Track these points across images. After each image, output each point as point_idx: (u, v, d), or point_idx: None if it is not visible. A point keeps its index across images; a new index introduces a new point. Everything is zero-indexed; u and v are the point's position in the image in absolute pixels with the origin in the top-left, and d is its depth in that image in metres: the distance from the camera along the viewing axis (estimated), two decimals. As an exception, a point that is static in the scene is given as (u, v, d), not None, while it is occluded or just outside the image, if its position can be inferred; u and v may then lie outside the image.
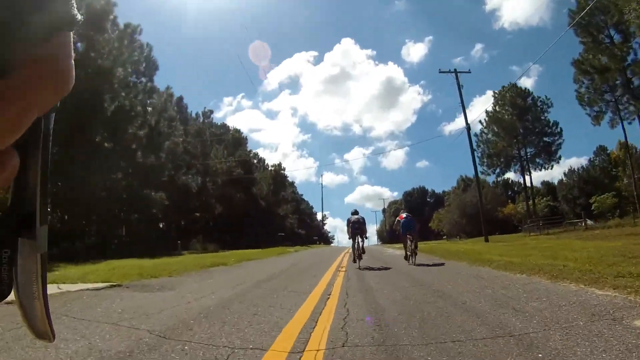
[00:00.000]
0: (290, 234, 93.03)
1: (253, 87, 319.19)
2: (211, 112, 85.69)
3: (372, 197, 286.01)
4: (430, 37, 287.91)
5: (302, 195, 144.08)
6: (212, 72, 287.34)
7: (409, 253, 18.46)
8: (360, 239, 19.08)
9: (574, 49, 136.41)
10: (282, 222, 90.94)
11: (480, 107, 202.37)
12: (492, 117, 75.39)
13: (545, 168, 75.67)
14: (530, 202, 77.35)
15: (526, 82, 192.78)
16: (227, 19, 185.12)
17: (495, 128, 75.53)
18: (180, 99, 72.21)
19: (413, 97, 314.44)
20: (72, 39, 0.65)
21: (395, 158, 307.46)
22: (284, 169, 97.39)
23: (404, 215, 20.01)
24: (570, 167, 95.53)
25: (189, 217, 66.13)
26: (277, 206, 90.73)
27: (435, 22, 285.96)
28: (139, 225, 48.33)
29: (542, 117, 75.03)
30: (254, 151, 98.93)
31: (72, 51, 0.65)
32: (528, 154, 74.99)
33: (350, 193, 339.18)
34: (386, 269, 16.17)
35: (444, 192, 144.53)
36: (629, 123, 56.23)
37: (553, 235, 46.41)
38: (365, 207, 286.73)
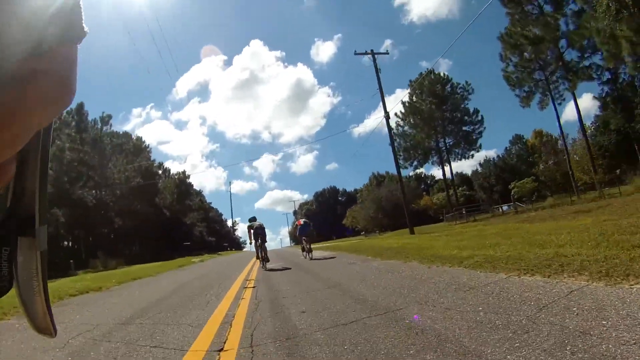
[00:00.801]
0: (200, 243, 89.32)
1: (161, 94, 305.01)
2: (109, 117, 75.48)
3: (282, 201, 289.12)
4: (339, 35, 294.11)
5: (210, 203, 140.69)
6: (119, 82, 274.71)
7: (305, 251, 23.30)
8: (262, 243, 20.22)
9: (485, 36, 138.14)
10: (189, 231, 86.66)
11: (390, 105, 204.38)
12: (410, 108, 72.97)
13: (465, 157, 74.91)
14: (451, 191, 77.27)
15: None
16: (131, 26, 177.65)
17: (412, 120, 73.23)
18: (81, 106, 66.47)
19: (323, 101, 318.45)
20: (77, 52, 0.66)
21: (304, 162, 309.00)
22: (188, 177, 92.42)
23: (302, 221, 24.86)
24: (486, 156, 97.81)
25: (92, 232, 61.54)
26: (182, 215, 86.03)
27: (344, 19, 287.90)
28: None
29: (462, 105, 73.56)
30: (158, 161, 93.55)
31: (77, 64, 0.66)
32: (447, 144, 73.61)
33: (261, 198, 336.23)
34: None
35: (355, 190, 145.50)
36: (559, 104, 56.36)
37: (482, 221, 44.74)
38: (275, 210, 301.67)
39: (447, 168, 75.35)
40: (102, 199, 61.61)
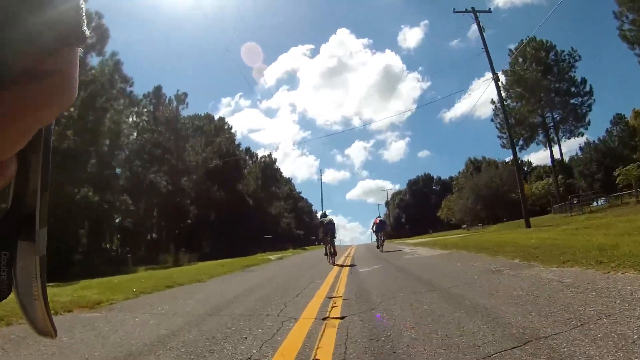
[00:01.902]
0: (287, 235, 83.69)
1: (249, 87, 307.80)
2: (185, 95, 66.44)
3: (374, 192, 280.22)
4: (426, 21, 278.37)
5: (300, 192, 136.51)
6: (207, 72, 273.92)
7: (379, 244, 27.83)
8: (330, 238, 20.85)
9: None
10: (275, 222, 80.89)
11: (480, 91, 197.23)
12: (513, 78, 65.30)
13: (574, 135, 68.15)
14: (557, 178, 70.74)
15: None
16: (218, 18, 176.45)
17: (517, 90, 65.65)
18: (159, 88, 62.55)
19: (412, 86, 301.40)
20: (78, 54, 0.65)
21: (396, 150, 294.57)
22: (275, 160, 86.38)
23: (378, 220, 29.43)
24: (587, 139, 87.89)
25: (167, 223, 58.06)
26: (268, 204, 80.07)
27: (430, 4, 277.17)
28: (99, 237, 42.73)
29: (569, 74, 65.97)
30: (244, 146, 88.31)
31: (78, 66, 0.65)
32: (555, 119, 66.56)
33: (352, 189, 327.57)
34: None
35: (451, 178, 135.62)
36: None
37: (600, 212, 39.03)
38: (366, 202, 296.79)
39: (554, 149, 69.37)
40: (178, 184, 57.05)
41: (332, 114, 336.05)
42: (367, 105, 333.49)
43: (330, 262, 19.20)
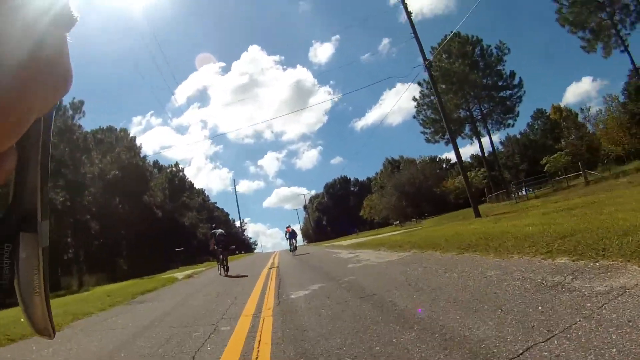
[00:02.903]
0: (205, 246, 75.42)
1: (160, 105, 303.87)
2: (82, 103, 58.43)
3: (290, 198, 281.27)
4: (337, 36, 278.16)
5: (215, 203, 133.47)
6: (117, 90, 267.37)
7: (292, 249, 33.66)
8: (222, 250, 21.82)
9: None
10: (190, 234, 75.62)
11: (391, 100, 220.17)
12: (439, 73, 61.92)
13: (503, 126, 67.58)
14: (481, 171, 73.78)
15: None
16: (127, 35, 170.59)
17: (442, 85, 62.19)
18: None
19: (323, 98, 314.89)
20: (67, 39, 0.64)
21: (309, 158, 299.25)
22: (182, 170, 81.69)
23: (290, 229, 35.12)
24: (507, 134, 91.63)
25: (73, 242, 52.48)
26: (180, 215, 74.58)
27: (341, 19, 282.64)
28: None
29: (497, 68, 65.10)
30: (152, 160, 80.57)
31: (69, 51, 0.65)
32: (483, 111, 65.46)
33: (268, 197, 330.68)
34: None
35: (368, 178, 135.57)
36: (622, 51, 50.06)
37: (546, 197, 38.71)
38: (284, 208, 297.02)
39: (484, 140, 68.61)
40: (76, 200, 51.08)
41: (244, 129, 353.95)
42: (279, 118, 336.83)
43: (222, 274, 20.53)
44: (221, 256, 21.49)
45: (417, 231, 26.51)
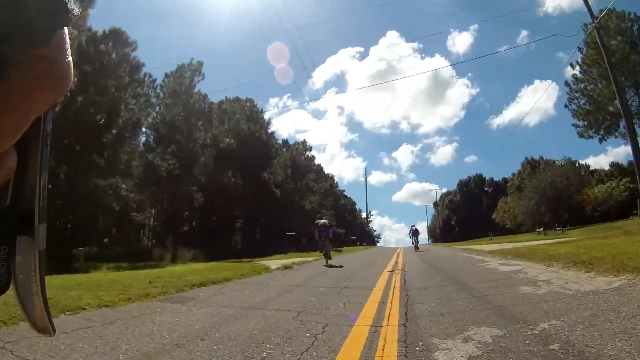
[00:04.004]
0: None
1: (298, 89, 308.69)
2: (200, 64, 53.09)
3: (420, 194, 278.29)
4: (475, 26, 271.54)
5: (344, 191, 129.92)
6: (253, 74, 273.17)
7: (416, 246, 38.70)
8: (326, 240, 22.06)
9: None
10: (310, 219, 66.66)
11: (528, 97, 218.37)
12: (593, 52, 53.09)
13: None
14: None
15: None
16: (265, 20, 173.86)
17: (596, 70, 53.74)
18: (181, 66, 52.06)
19: (461, 91, 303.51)
20: (67, 35, 0.67)
21: (443, 154, 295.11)
22: (309, 148, 75.34)
23: (413, 228, 39.66)
24: None
25: (172, 216, 49.10)
26: (299, 197, 68.73)
27: (479, 9, 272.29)
28: (86, 225, 36.73)
29: None
30: (281, 139, 78.49)
31: (69, 47, 0.67)
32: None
33: (398, 191, 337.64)
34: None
35: (504, 179, 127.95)
36: None
37: None
38: (413, 204, 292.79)
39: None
40: (185, 168, 47.57)
41: (381, 117, 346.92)
42: (414, 109, 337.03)
43: (326, 264, 20.24)
44: (325, 246, 21.56)
45: (585, 243, 19.16)
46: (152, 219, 53.70)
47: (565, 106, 61.46)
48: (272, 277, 15.23)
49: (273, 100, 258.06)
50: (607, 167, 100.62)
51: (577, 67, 57.59)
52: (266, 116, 67.31)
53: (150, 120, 48.40)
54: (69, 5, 0.69)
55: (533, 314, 6.21)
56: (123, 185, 37.93)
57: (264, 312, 7.81)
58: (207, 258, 36.37)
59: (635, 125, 54.25)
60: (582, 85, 57.66)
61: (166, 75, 51.22)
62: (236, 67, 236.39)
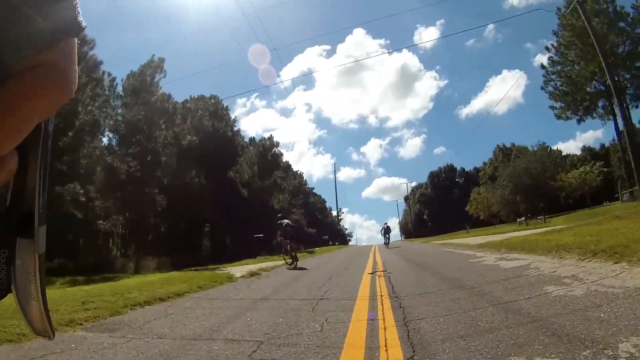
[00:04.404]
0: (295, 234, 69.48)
1: (266, 87, 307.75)
2: (162, 60, 50.14)
3: (390, 189, 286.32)
4: (442, 20, 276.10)
5: (313, 188, 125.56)
6: (219, 74, 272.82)
7: (386, 242, 40.72)
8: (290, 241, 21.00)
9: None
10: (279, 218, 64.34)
11: (497, 87, 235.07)
12: (570, 34, 53.16)
13: None
14: (624, 155, 55.51)
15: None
16: (229, 19, 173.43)
17: (575, 48, 53.73)
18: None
19: (429, 84, 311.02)
20: (76, 45, 0.69)
21: (412, 147, 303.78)
22: (276, 144, 70.11)
23: (385, 225, 41.54)
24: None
25: (136, 222, 47.07)
26: (268, 195, 64.62)
27: (445, 4, 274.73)
28: (53, 236, 31.44)
29: (637, 31, 52.84)
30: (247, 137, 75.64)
31: (76, 57, 0.69)
32: (621, 82, 52.66)
33: (368, 187, 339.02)
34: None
35: (475, 168, 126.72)
36: None
37: None
38: (383, 199, 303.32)
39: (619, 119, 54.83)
40: (146, 170, 44.76)
41: (348, 113, 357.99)
42: (383, 103, 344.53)
43: (293, 267, 19.54)
44: (289, 247, 20.58)
45: (583, 230, 17.16)
46: (120, 226, 51.45)
47: (542, 88, 61.84)
48: (234, 288, 12.99)
49: (240, 101, 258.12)
50: (578, 152, 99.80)
51: (553, 51, 57.78)
52: (234, 114, 65.70)
53: (111, 122, 46.28)
54: (78, 18, 0.70)
55: (596, 330, 4.39)
56: (81, 191, 35.85)
57: (210, 345, 5.64)
58: (172, 267, 34.44)
59: (614, 105, 54.02)
60: (558, 68, 57.63)
61: (127, 75, 48.56)
62: (201, 68, 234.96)
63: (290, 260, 20.28)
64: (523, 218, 57.88)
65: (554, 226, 27.68)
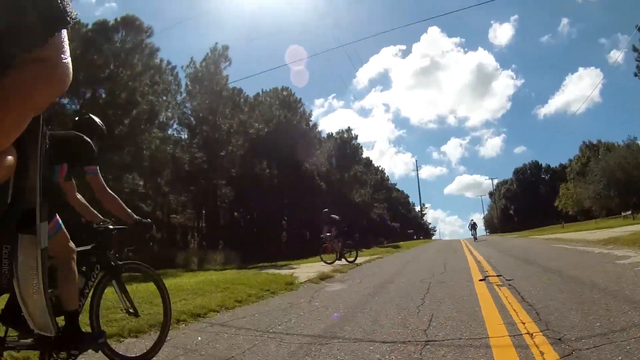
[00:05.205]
0: (380, 228, 73.06)
1: (345, 87, 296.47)
2: (226, 48, 47.37)
3: (471, 186, 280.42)
4: (516, 16, 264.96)
5: (395, 184, 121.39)
6: (297, 74, 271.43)
7: (475, 237, 41.68)
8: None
9: None
10: (361, 212, 62.97)
11: (573, 86, 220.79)
12: None
13: None
14: None
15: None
16: (308, 21, 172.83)
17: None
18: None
19: (506, 83, 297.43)
20: (66, 36, 0.68)
21: (492, 146, 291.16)
22: (355, 137, 66.75)
23: (472, 221, 46.18)
24: None
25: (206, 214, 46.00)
26: (348, 189, 61.12)
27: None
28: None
29: None
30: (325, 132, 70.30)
31: (68, 49, 0.68)
32: None
33: (449, 184, 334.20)
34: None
35: (562, 164, 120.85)
36: None
37: None
38: (465, 196, 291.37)
39: None
40: (212, 160, 42.86)
41: (426, 112, 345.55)
42: (460, 103, 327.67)
43: (339, 261, 18.18)
44: (340, 244, 18.79)
45: None
46: (196, 220, 49.70)
47: (635, 75, 59.36)
48: (288, 304, 8.79)
49: (318, 101, 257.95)
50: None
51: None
52: (309, 110, 62.72)
53: (169, 113, 43.22)
54: (67, 8, 0.69)
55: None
56: (141, 183, 34.21)
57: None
58: (241, 261, 33.34)
59: None
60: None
61: (189, 64, 46.00)
62: (274, 67, 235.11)
63: (330, 262, 18.35)
64: (629, 212, 53.73)
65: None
